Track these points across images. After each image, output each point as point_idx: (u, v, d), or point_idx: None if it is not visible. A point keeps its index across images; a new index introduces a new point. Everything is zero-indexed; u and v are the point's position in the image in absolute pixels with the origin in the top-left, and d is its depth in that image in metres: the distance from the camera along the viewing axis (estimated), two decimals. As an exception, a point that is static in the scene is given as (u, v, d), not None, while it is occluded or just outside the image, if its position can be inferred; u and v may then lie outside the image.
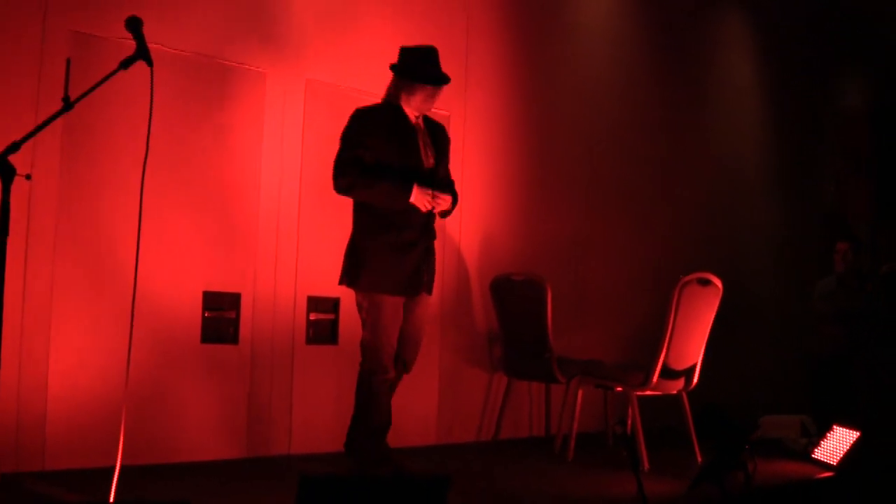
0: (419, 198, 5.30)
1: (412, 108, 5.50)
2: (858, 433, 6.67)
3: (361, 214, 5.47)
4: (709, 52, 10.40)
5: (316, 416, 6.54)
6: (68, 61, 5.49)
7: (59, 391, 5.46)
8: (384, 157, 5.33)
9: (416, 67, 5.46)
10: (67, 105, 3.83)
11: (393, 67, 5.53)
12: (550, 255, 8.14)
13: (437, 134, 5.66)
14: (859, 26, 12.35)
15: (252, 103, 6.35)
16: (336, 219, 6.52)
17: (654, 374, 6.40)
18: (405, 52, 5.55)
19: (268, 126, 6.42)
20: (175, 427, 5.94)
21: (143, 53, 3.97)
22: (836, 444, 6.79)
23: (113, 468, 4.00)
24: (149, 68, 4.00)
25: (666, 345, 6.38)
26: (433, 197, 5.35)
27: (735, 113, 10.67)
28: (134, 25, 4.00)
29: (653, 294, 7.75)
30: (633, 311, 8.76)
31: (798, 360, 9.38)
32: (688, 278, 6.42)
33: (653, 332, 6.52)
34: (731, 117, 10.60)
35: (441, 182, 5.53)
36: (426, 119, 5.64)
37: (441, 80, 5.48)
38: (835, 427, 6.90)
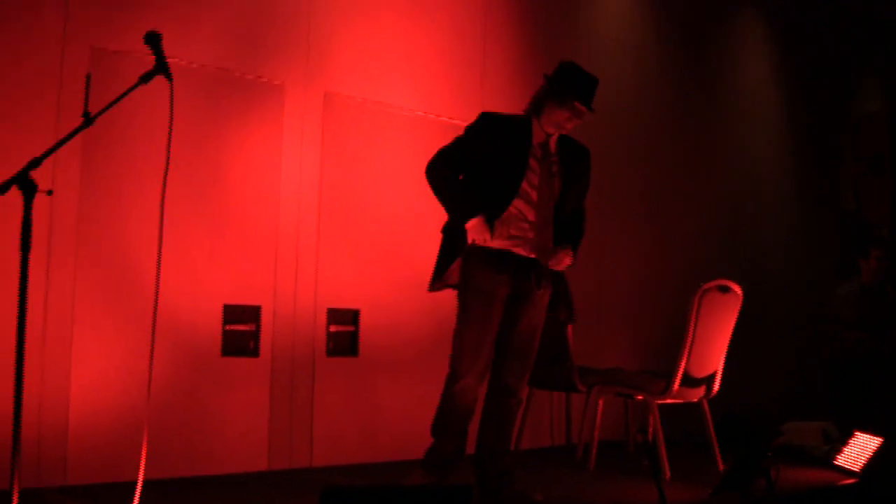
0: (477, 231, 4.95)
1: (548, 125, 5.10)
2: (881, 440, 6.64)
3: None
4: (727, 55, 10.38)
5: (337, 428, 6.54)
6: (88, 76, 5.50)
7: (81, 405, 5.47)
8: (488, 166, 5.04)
9: (576, 82, 5.06)
10: (87, 120, 3.84)
11: (548, 77, 5.14)
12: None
13: (576, 160, 5.27)
14: (878, 30, 12.32)
15: (271, 116, 6.37)
16: (355, 231, 6.56)
17: (674, 382, 6.38)
18: (568, 67, 5.14)
19: (286, 138, 6.43)
20: (197, 440, 5.95)
21: (162, 68, 3.98)
22: (859, 450, 6.76)
23: (135, 482, 4.00)
24: (168, 83, 4.01)
25: (686, 352, 6.36)
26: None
27: (754, 117, 10.65)
28: (153, 40, 4.00)
29: (673, 301, 7.72)
30: (653, 319, 8.75)
31: (818, 366, 9.31)
32: (708, 285, 6.41)
33: (673, 339, 6.50)
34: (750, 121, 10.58)
35: (562, 220, 5.24)
36: (567, 142, 5.27)
37: (590, 102, 5.07)
38: (857, 434, 6.87)
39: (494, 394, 5.26)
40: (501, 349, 5.21)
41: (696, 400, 6.67)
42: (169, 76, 3.99)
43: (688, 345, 6.36)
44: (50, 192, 3.74)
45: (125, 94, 3.93)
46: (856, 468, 6.68)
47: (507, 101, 7.74)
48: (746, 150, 10.45)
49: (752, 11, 10.72)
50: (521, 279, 5.12)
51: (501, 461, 5.22)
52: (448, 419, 5.15)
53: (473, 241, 5.01)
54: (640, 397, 6.72)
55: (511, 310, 5.16)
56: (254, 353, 6.23)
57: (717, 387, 6.65)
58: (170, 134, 4.17)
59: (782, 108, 11.09)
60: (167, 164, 4.17)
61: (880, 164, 12.19)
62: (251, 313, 6.23)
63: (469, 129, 5.17)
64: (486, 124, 5.16)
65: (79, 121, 3.84)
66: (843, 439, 7.05)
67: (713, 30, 10.21)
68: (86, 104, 3.89)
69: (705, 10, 10.02)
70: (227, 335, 6.12)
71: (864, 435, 6.80)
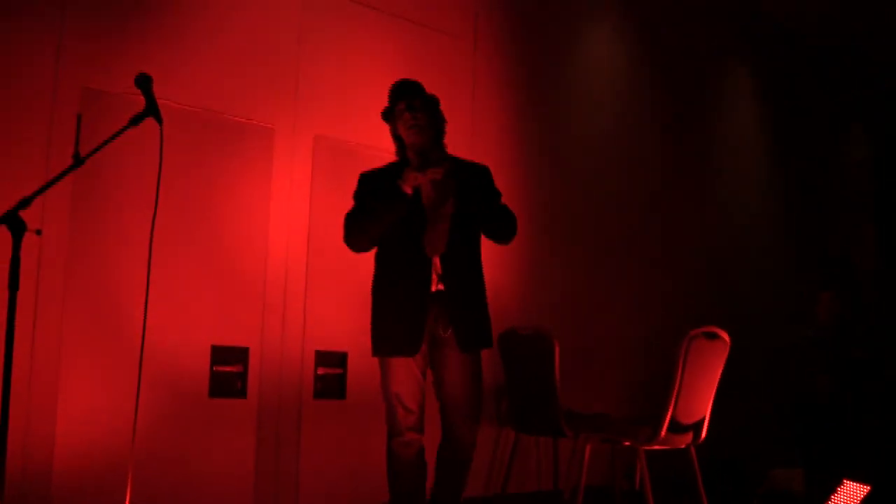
0: (410, 179, 4.81)
1: (410, 150, 5.07)
2: (869, 487, 6.62)
3: (376, 273, 5.19)
4: (713, 103, 10.46)
5: (324, 472, 6.52)
6: (79, 117, 5.55)
7: (66, 445, 5.44)
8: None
9: (392, 93, 5.15)
10: (77, 161, 3.85)
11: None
12: (557, 308, 8.14)
13: (471, 176, 5.11)
14: (863, 78, 12.42)
15: (260, 158, 6.39)
16: (344, 274, 6.54)
17: (661, 429, 6.37)
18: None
19: (276, 181, 6.45)
20: (182, 481, 5.92)
21: (152, 110, 4.00)
22: (847, 498, 6.74)
23: (120, 523, 3.99)
24: (158, 125, 4.02)
25: (674, 399, 6.36)
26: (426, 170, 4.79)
27: (740, 164, 10.71)
28: (144, 82, 4.03)
29: (660, 347, 7.72)
30: (640, 364, 8.74)
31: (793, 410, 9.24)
32: (695, 332, 6.41)
33: (660, 385, 6.50)
34: (737, 169, 10.65)
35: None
36: (461, 164, 5.09)
37: (411, 95, 5.08)
38: (845, 481, 6.85)
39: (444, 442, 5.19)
40: (441, 399, 5.13)
41: (683, 446, 6.66)
42: (159, 119, 4.01)
43: (675, 391, 6.36)
44: (39, 232, 3.76)
45: (115, 135, 3.95)
46: (844, 516, 6.67)
47: (496, 148, 7.79)
48: (733, 197, 10.51)
49: (739, 61, 10.81)
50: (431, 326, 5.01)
51: None
52: (399, 484, 5.08)
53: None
54: (627, 443, 6.71)
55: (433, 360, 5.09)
56: (241, 394, 6.21)
57: (704, 433, 6.64)
58: (159, 175, 4.19)
59: (769, 156, 11.16)
60: (156, 205, 4.18)
61: (866, 209, 12.26)
62: (239, 354, 6.22)
63: (356, 194, 5.11)
64: (369, 181, 5.11)
65: (69, 161, 3.86)
66: (829, 486, 7.03)
67: (701, 79, 10.29)
68: (76, 145, 3.91)
69: (694, 59, 10.10)
70: (214, 376, 6.11)
71: (852, 483, 6.78)
